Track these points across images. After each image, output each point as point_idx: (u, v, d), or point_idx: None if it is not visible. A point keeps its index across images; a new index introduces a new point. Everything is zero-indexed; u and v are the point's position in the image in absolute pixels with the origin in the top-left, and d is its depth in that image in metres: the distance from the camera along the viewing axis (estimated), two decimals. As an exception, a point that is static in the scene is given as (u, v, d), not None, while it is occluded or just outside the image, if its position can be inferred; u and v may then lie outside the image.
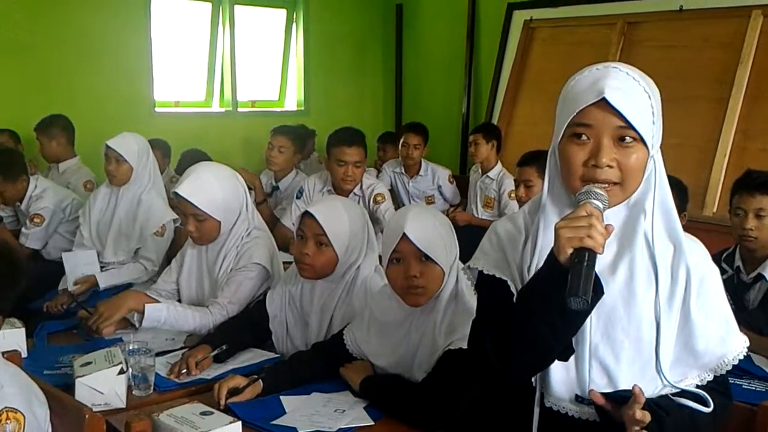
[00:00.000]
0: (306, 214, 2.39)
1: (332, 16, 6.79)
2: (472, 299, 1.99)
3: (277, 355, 2.48)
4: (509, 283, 1.51)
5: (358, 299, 2.39)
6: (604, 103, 1.39)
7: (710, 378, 1.52)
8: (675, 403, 1.46)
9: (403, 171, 5.48)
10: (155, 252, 3.49)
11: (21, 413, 1.63)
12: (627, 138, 1.41)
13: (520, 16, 6.03)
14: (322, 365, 2.25)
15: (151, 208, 3.51)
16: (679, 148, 4.56)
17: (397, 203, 5.31)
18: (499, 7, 6.16)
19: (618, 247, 1.47)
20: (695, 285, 1.47)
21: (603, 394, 1.43)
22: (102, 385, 2.03)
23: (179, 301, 2.85)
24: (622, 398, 1.42)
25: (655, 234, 1.46)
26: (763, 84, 4.59)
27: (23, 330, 2.39)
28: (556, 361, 1.46)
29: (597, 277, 1.36)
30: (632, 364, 1.46)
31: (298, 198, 4.19)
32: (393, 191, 5.44)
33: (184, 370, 2.26)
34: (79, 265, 3.43)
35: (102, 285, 3.35)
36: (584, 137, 1.43)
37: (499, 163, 5.05)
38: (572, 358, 1.46)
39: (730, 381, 1.60)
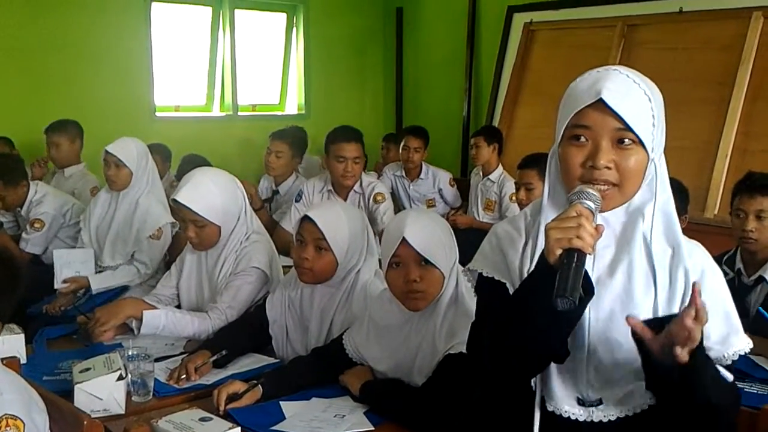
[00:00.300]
0: (305, 219, 2.38)
1: (332, 20, 6.79)
2: (472, 303, 1.98)
3: (276, 360, 2.47)
4: (508, 285, 1.51)
5: (358, 304, 2.39)
6: (602, 105, 1.39)
7: None
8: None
9: (403, 174, 5.48)
10: (149, 255, 3.48)
11: (21, 420, 1.62)
12: (626, 140, 1.41)
13: (520, 19, 6.02)
14: (322, 370, 2.24)
15: (148, 211, 3.50)
16: (679, 150, 4.55)
17: (398, 206, 5.31)
18: (500, 9, 6.16)
19: (616, 250, 1.47)
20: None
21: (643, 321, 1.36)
22: (101, 391, 2.03)
23: (179, 306, 2.85)
24: (660, 322, 1.36)
25: (654, 237, 1.45)
26: (764, 85, 4.58)
27: (22, 336, 2.38)
28: (556, 364, 1.45)
29: (588, 278, 1.35)
30: (631, 366, 1.45)
31: (297, 201, 4.19)
32: (394, 194, 5.43)
33: (184, 376, 2.26)
34: (72, 263, 3.43)
35: (94, 287, 3.35)
36: (583, 139, 1.42)
37: (500, 166, 5.05)
38: (572, 361, 1.45)
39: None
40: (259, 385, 2.12)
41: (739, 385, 2.11)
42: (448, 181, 5.49)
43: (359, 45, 7.03)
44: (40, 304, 3.38)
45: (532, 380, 1.51)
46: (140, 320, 2.58)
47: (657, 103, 1.43)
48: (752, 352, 1.55)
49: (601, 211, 1.42)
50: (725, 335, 1.47)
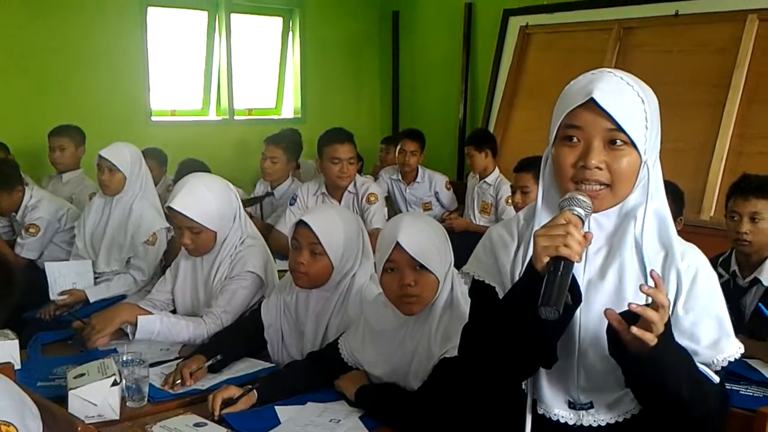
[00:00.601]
0: (300, 223, 2.38)
1: (328, 24, 6.80)
2: (467, 306, 1.97)
3: (272, 365, 2.46)
4: (498, 289, 1.50)
5: (354, 308, 2.38)
6: (593, 105, 1.39)
7: None
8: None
9: (400, 178, 5.48)
10: (146, 261, 3.47)
11: (14, 426, 1.61)
12: (618, 141, 1.41)
13: (516, 22, 6.03)
14: (317, 375, 2.23)
15: (142, 216, 3.50)
16: (675, 152, 4.55)
17: (394, 210, 5.32)
18: (495, 13, 6.17)
19: (607, 253, 1.47)
20: (685, 287, 1.45)
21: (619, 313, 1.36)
22: (95, 396, 2.02)
23: (174, 311, 2.84)
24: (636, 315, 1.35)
25: (646, 239, 1.45)
26: (759, 87, 4.58)
27: (17, 342, 2.37)
28: (545, 369, 1.45)
29: (576, 285, 1.35)
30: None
31: (291, 204, 4.20)
32: (390, 198, 5.44)
33: (179, 381, 2.24)
34: (67, 275, 3.42)
35: (92, 300, 3.33)
36: (575, 140, 1.43)
37: (497, 169, 5.05)
38: (562, 364, 1.45)
39: (728, 386, 1.59)
40: (254, 390, 2.11)
41: (735, 387, 2.13)
42: (445, 185, 5.49)
43: (355, 49, 7.04)
44: (36, 310, 3.37)
45: (524, 383, 1.51)
46: (135, 325, 2.57)
47: (651, 105, 1.43)
48: (746, 355, 1.54)
49: (594, 212, 1.42)
50: (716, 339, 1.46)
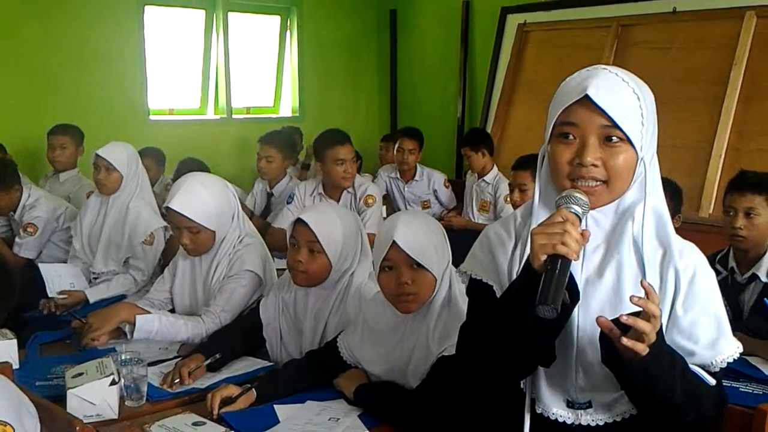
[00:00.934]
0: (298, 222, 2.37)
1: (326, 22, 6.79)
2: (465, 305, 1.97)
3: (271, 363, 2.46)
4: (495, 288, 1.50)
5: (353, 306, 2.38)
6: (588, 102, 1.38)
7: None
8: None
9: (398, 176, 5.48)
10: (145, 261, 3.46)
11: (11, 426, 1.60)
12: (614, 138, 1.40)
13: (513, 20, 6.03)
14: (316, 373, 2.23)
15: (139, 216, 3.48)
16: (673, 149, 4.56)
17: (393, 208, 5.32)
18: (493, 10, 6.16)
19: (605, 251, 1.46)
20: (684, 286, 1.45)
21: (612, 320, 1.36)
22: (94, 396, 2.01)
23: (173, 310, 2.84)
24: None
25: (645, 237, 1.44)
26: (758, 84, 4.59)
27: (15, 341, 2.37)
28: (543, 368, 1.45)
29: (574, 284, 1.35)
30: None
31: (288, 203, 4.20)
32: (389, 196, 5.44)
33: (177, 380, 2.24)
34: (63, 276, 3.42)
35: (92, 300, 3.32)
36: (571, 137, 1.42)
37: (495, 167, 5.06)
38: (560, 363, 1.45)
39: (727, 383, 1.59)
40: (253, 389, 2.11)
41: (735, 384, 2.12)
42: (443, 183, 5.49)
43: (353, 47, 7.03)
44: (36, 309, 3.35)
45: (522, 382, 1.50)
46: (133, 324, 2.56)
47: (647, 102, 1.42)
48: (745, 352, 1.54)
49: (591, 208, 1.42)
50: (715, 339, 1.46)
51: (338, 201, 4.09)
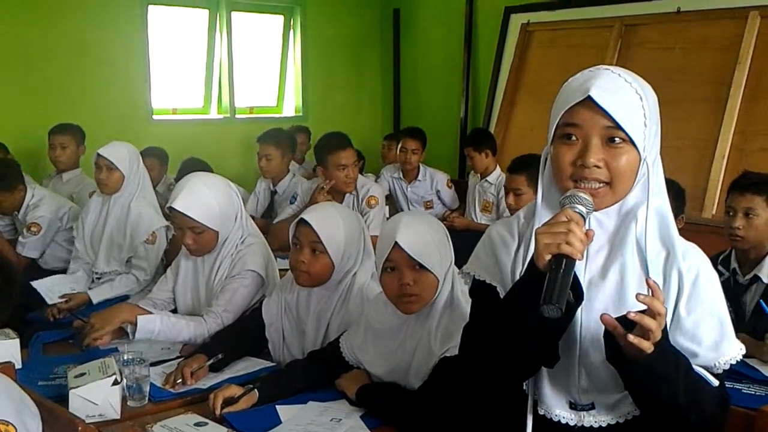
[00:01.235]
0: (301, 222, 2.37)
1: (329, 22, 6.79)
2: (468, 306, 1.97)
3: (273, 364, 2.46)
4: (499, 288, 1.50)
5: (355, 307, 2.38)
6: (591, 103, 1.38)
7: None
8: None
9: (401, 176, 5.48)
10: (147, 261, 3.47)
11: (12, 425, 1.61)
12: (616, 139, 1.40)
13: (517, 20, 6.02)
14: (319, 374, 2.23)
15: (140, 215, 3.49)
16: (677, 149, 4.55)
17: (396, 208, 5.31)
18: (497, 10, 6.16)
19: (609, 252, 1.46)
20: (687, 288, 1.44)
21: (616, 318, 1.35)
22: (96, 396, 2.02)
23: (175, 310, 2.84)
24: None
25: (648, 239, 1.44)
26: (761, 85, 4.58)
27: (17, 341, 2.37)
28: (547, 368, 1.44)
29: (578, 284, 1.34)
30: None
31: (291, 203, 4.20)
32: (392, 196, 5.43)
33: (180, 380, 2.24)
34: (58, 285, 3.42)
35: (95, 301, 3.32)
36: (573, 138, 1.42)
37: (498, 167, 5.04)
38: (563, 365, 1.44)
39: (729, 385, 1.58)
40: (255, 389, 2.11)
41: (737, 386, 2.12)
42: (446, 183, 5.49)
43: (356, 47, 7.03)
44: (39, 310, 3.35)
45: (525, 384, 1.50)
46: (135, 325, 2.56)
47: (649, 102, 1.42)
48: (746, 355, 1.53)
49: (594, 210, 1.41)
50: (718, 341, 1.45)
51: (341, 202, 4.08)
